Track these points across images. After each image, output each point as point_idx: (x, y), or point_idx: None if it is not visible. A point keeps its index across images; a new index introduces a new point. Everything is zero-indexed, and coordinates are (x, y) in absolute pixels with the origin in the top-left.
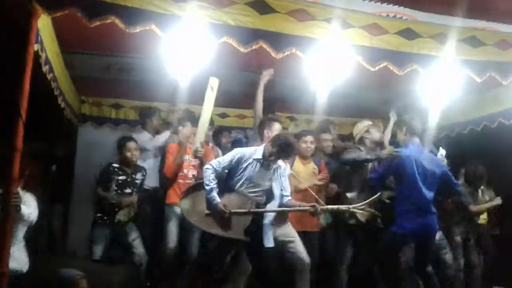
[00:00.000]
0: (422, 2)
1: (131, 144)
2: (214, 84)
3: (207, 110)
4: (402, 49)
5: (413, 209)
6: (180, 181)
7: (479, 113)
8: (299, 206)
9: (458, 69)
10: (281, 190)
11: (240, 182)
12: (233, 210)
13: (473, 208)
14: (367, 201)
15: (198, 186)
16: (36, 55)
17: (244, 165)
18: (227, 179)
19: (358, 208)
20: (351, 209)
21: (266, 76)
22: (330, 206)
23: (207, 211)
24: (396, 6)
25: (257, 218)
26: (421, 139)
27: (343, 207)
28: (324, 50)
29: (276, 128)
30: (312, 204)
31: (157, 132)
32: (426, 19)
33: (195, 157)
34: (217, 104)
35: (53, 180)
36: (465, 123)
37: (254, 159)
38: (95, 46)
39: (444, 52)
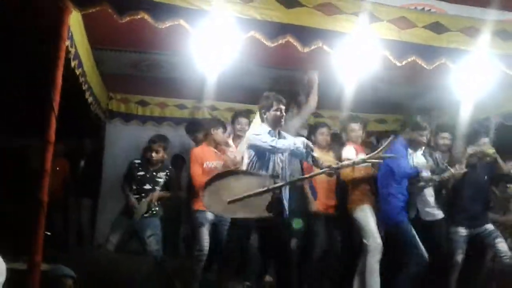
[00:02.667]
0: None
1: (155, 146)
2: None
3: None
4: (430, 43)
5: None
6: None
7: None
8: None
9: (489, 63)
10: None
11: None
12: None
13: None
14: (380, 148)
15: (215, 177)
16: (66, 51)
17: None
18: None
19: (373, 157)
20: (366, 160)
21: (315, 75)
22: (345, 163)
23: (229, 199)
24: None
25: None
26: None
27: (358, 160)
28: (352, 44)
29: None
30: (327, 165)
31: None
32: (455, 11)
33: None
34: (240, 100)
35: (82, 175)
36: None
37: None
38: (124, 43)
39: (474, 46)
